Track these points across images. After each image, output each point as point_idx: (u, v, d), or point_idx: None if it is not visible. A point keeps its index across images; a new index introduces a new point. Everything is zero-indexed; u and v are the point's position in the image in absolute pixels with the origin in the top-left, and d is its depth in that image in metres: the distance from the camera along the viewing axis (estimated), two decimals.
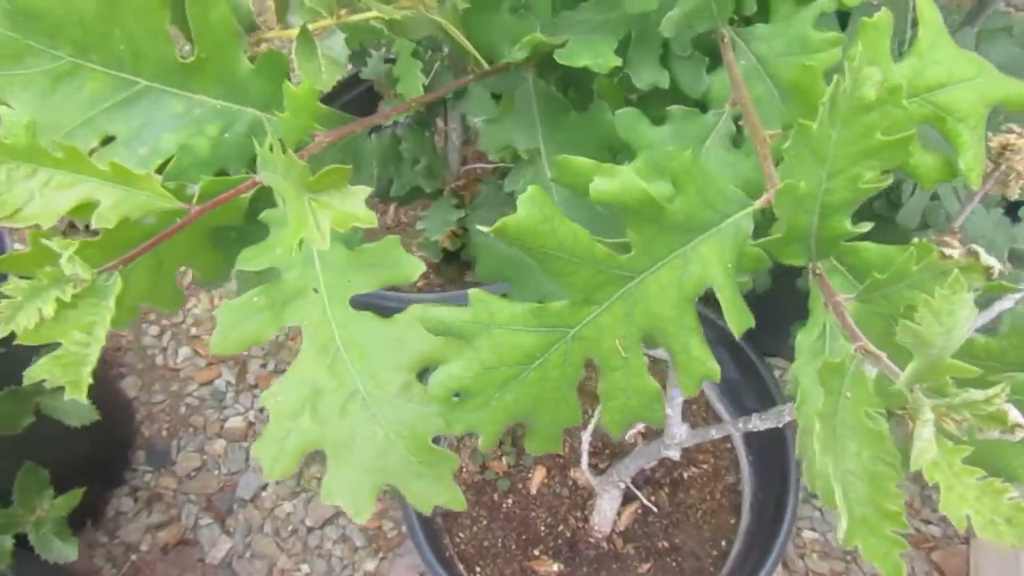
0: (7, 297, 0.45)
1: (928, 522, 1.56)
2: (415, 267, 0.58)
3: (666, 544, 1.34)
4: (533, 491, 1.41)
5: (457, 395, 0.52)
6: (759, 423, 1.01)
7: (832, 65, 0.60)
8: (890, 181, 0.43)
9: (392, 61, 1.37)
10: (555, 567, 1.33)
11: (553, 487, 1.41)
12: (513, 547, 1.35)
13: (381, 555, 1.59)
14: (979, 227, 0.89)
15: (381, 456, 0.57)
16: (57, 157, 0.50)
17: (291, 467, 0.57)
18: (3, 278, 0.48)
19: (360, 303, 0.59)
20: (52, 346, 0.50)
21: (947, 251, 0.39)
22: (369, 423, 0.57)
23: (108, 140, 0.58)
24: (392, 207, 1.67)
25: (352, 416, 0.58)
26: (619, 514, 1.35)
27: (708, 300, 0.52)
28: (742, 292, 0.52)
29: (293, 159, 0.47)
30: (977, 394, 0.34)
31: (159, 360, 1.81)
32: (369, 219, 0.49)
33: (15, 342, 0.46)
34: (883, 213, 0.92)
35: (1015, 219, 0.98)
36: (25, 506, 0.95)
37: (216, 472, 1.69)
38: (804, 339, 0.48)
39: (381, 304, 1.33)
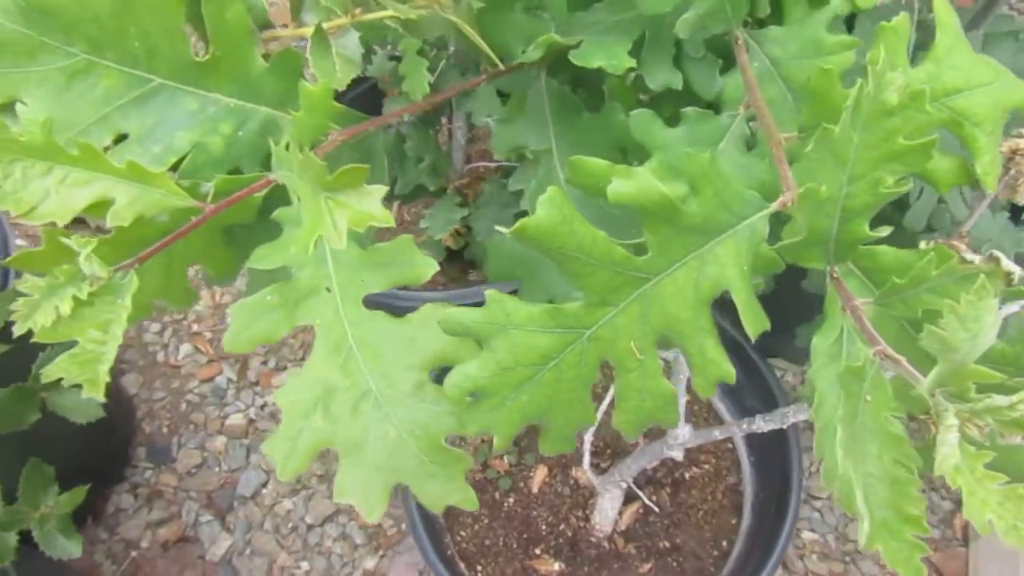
0: (24, 295, 0.45)
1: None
2: (428, 267, 0.57)
3: (667, 544, 1.34)
4: (535, 490, 1.41)
5: (471, 395, 0.52)
6: (763, 424, 1.01)
7: (845, 68, 0.60)
8: (910, 186, 0.43)
9: (397, 59, 1.37)
10: (556, 566, 1.34)
11: (555, 486, 1.41)
12: (514, 546, 1.36)
13: (381, 553, 1.59)
14: (985, 231, 0.89)
15: (393, 455, 0.57)
16: (73, 155, 0.50)
17: (303, 466, 0.57)
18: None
19: (367, 301, 0.59)
20: (59, 344, 0.50)
21: (968, 256, 0.39)
22: (381, 422, 0.57)
23: (121, 138, 0.58)
24: (395, 205, 1.67)
25: (364, 415, 0.57)
26: (620, 514, 1.35)
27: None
28: None
29: (311, 158, 0.47)
30: (1000, 399, 0.34)
31: (160, 357, 1.81)
32: (386, 219, 0.49)
33: (32, 339, 0.46)
34: (889, 215, 0.92)
35: (1018, 222, 0.98)
36: (30, 503, 0.95)
37: (217, 469, 1.68)
38: (820, 342, 0.48)
39: (388, 303, 1.33)
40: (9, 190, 0.49)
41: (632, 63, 0.60)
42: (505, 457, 1.44)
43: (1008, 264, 0.39)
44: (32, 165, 0.49)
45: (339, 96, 0.57)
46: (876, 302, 0.45)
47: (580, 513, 1.38)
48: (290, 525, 1.62)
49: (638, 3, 0.59)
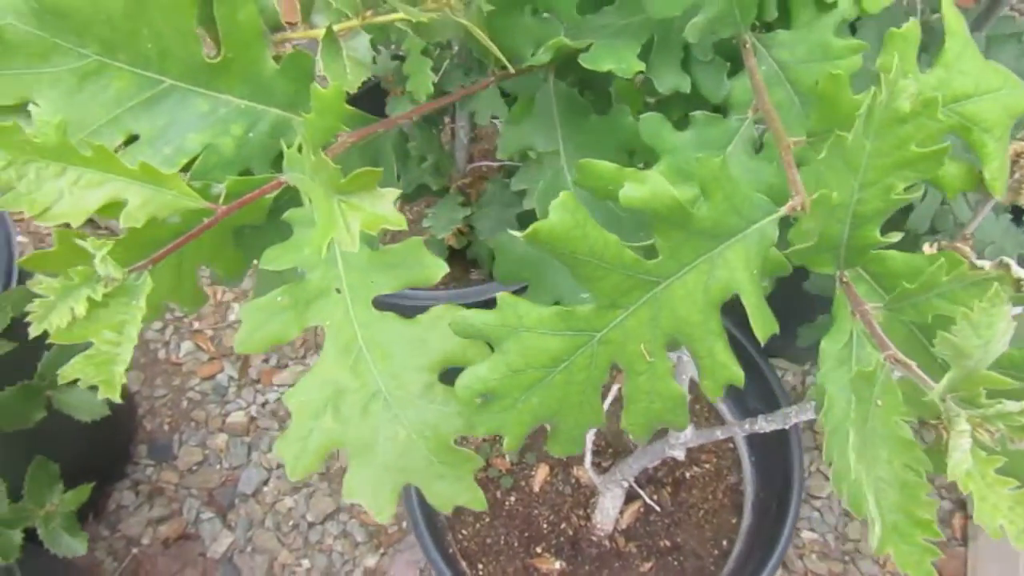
0: (40, 296, 0.45)
1: None
2: (438, 268, 0.58)
3: (668, 543, 1.35)
4: (536, 489, 1.42)
5: (482, 397, 0.53)
6: (765, 424, 1.01)
7: (851, 72, 0.60)
8: (920, 193, 0.43)
9: (400, 58, 1.37)
10: (557, 565, 1.34)
11: (556, 485, 1.42)
12: (515, 544, 1.36)
13: (382, 551, 1.59)
14: (988, 233, 0.90)
15: (403, 456, 0.58)
16: (86, 156, 0.50)
17: (313, 466, 0.57)
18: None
19: (377, 302, 0.60)
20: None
21: (975, 261, 0.40)
22: (391, 423, 0.58)
23: (132, 139, 0.58)
24: (398, 204, 1.67)
25: (374, 416, 0.58)
26: (621, 513, 1.36)
27: None
28: None
29: (325, 161, 0.47)
30: (1011, 405, 0.35)
31: (161, 354, 1.81)
32: (399, 221, 0.49)
33: (37, 339, 0.46)
34: (893, 217, 0.93)
35: (1020, 224, 0.99)
36: (35, 500, 0.95)
37: (218, 467, 1.69)
38: (830, 346, 0.48)
39: (393, 301, 1.33)
40: (23, 191, 0.49)
41: (641, 67, 0.60)
42: (506, 456, 1.44)
43: (1018, 270, 0.39)
44: (46, 166, 0.49)
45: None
46: (886, 307, 0.46)
47: (581, 512, 1.38)
48: (291, 523, 1.63)
49: (647, 7, 0.59)
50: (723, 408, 1.47)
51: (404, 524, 1.61)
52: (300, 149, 0.52)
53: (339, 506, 1.64)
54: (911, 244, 0.95)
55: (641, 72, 0.62)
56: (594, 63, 0.60)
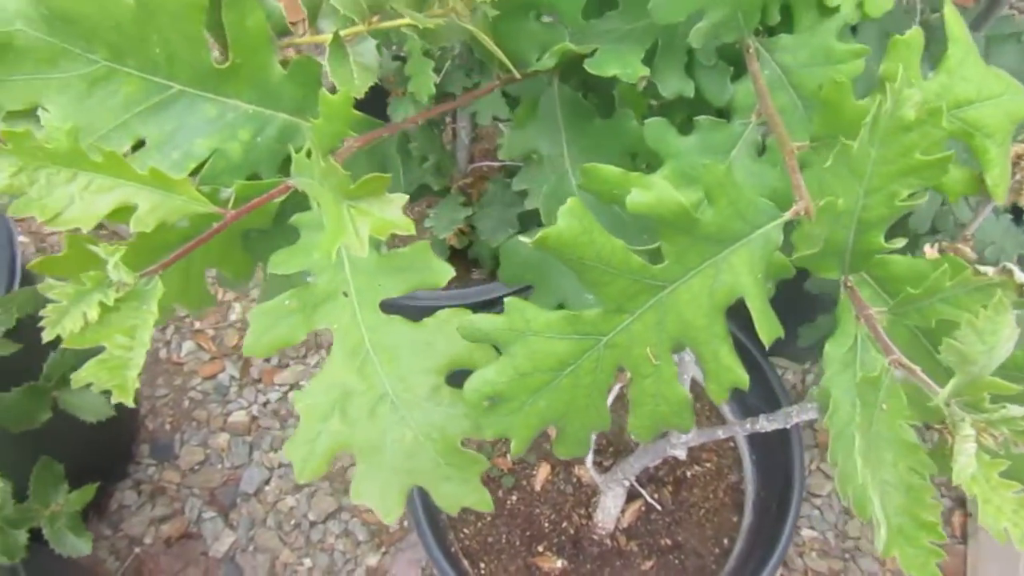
0: (53, 301, 0.46)
1: None
2: (445, 272, 0.58)
3: (669, 542, 1.36)
4: (537, 488, 1.42)
5: (489, 400, 0.53)
6: (766, 424, 1.02)
7: (853, 76, 0.61)
8: (925, 199, 0.44)
9: (402, 59, 1.37)
10: (559, 563, 1.35)
11: (557, 484, 1.42)
12: (517, 543, 1.37)
13: (383, 549, 1.60)
14: (989, 233, 0.90)
15: (410, 458, 0.58)
16: (97, 161, 0.50)
17: (321, 468, 0.58)
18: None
19: (384, 304, 0.60)
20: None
21: (981, 268, 0.40)
22: (398, 425, 0.58)
23: (140, 143, 0.58)
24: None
25: (381, 418, 0.58)
26: (623, 511, 1.36)
27: None
28: None
29: (334, 167, 0.48)
30: (1015, 410, 0.35)
31: (163, 354, 1.81)
32: (407, 227, 0.49)
33: (62, 345, 0.46)
34: None
35: (1020, 224, 0.99)
36: (40, 500, 0.96)
37: (219, 466, 1.69)
38: (834, 350, 0.49)
39: (398, 301, 1.33)
40: (35, 196, 0.49)
41: (646, 71, 0.61)
42: (508, 455, 1.45)
43: (1021, 276, 0.40)
44: (57, 172, 0.50)
45: None
46: (890, 311, 0.46)
47: (583, 511, 1.39)
48: (293, 522, 1.63)
49: (651, 13, 0.60)
50: (724, 407, 1.48)
51: (406, 523, 1.61)
52: (308, 154, 0.53)
53: (341, 505, 1.64)
54: (912, 244, 0.96)
55: (644, 76, 0.63)
56: (599, 68, 0.60)
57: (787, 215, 0.50)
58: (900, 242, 0.47)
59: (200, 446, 1.71)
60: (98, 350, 0.50)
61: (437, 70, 1.27)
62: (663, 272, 0.50)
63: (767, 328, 0.50)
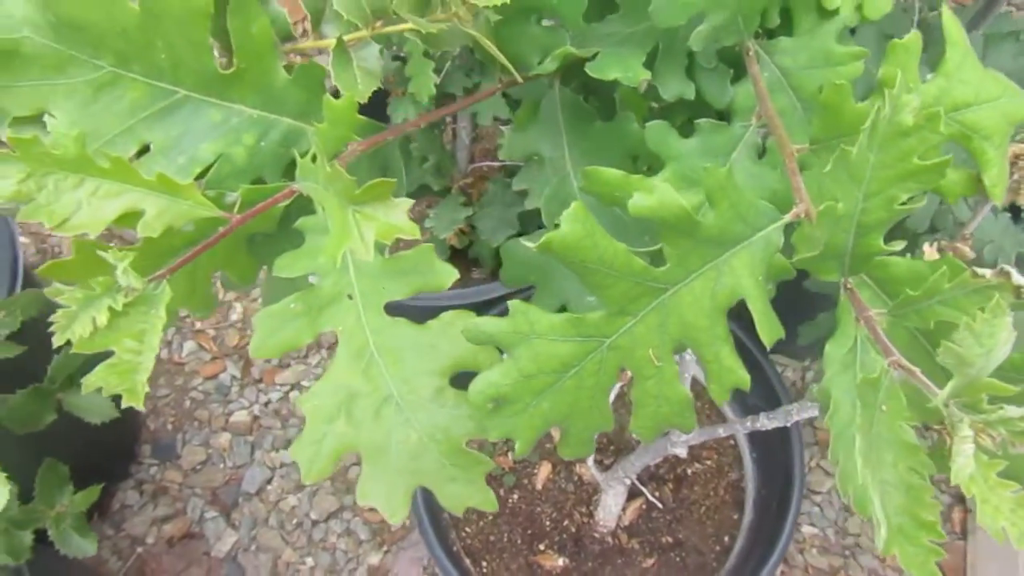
0: (62, 306, 0.46)
1: None
2: (448, 275, 0.59)
3: (670, 539, 1.36)
4: (539, 486, 1.43)
5: (493, 401, 0.54)
6: (767, 422, 1.03)
7: (852, 78, 0.61)
8: (924, 202, 0.44)
9: (401, 59, 1.38)
10: (560, 561, 1.36)
11: (558, 482, 1.43)
12: (519, 542, 1.37)
13: (385, 548, 1.61)
14: (987, 232, 0.91)
15: (415, 459, 0.59)
16: (104, 167, 0.51)
17: (327, 469, 0.58)
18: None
19: (388, 307, 0.61)
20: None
21: (979, 270, 0.41)
22: (403, 427, 0.59)
23: (145, 148, 0.59)
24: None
25: (386, 420, 0.59)
26: (624, 509, 1.37)
27: None
28: None
29: (339, 172, 0.48)
30: (1013, 411, 0.36)
31: (164, 354, 1.81)
32: (412, 231, 0.50)
33: (72, 350, 0.47)
34: None
35: (1019, 222, 1.00)
36: (46, 502, 0.96)
37: (221, 466, 1.70)
38: (834, 351, 0.49)
39: (398, 302, 1.34)
40: (43, 202, 0.50)
41: (647, 75, 0.61)
42: (509, 454, 1.46)
43: (1018, 278, 0.40)
44: (65, 178, 0.50)
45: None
46: (890, 313, 0.47)
47: (584, 509, 1.40)
48: (295, 521, 1.64)
49: (652, 16, 0.60)
50: (725, 406, 1.48)
51: (407, 522, 1.62)
52: (313, 159, 0.53)
53: (342, 504, 1.65)
54: (911, 243, 0.97)
55: (646, 79, 0.63)
56: (601, 72, 0.61)
57: (787, 217, 0.51)
58: (899, 245, 0.48)
59: (202, 446, 1.72)
60: (103, 352, 0.51)
61: (437, 71, 1.27)
62: (665, 275, 0.51)
63: (768, 329, 0.51)
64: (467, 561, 1.35)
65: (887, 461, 0.42)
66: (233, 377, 1.79)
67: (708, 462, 1.43)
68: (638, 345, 0.51)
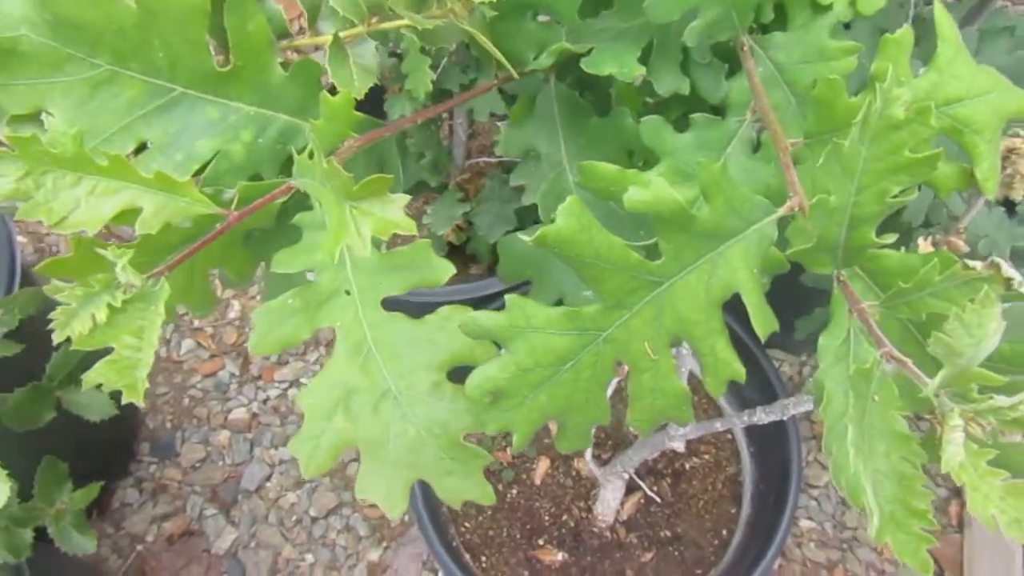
0: (61, 304, 0.47)
1: None
2: (445, 270, 0.59)
3: (668, 533, 1.37)
4: (537, 481, 1.43)
5: (490, 395, 0.54)
6: (764, 416, 1.03)
7: (846, 72, 0.62)
8: (915, 195, 0.45)
9: (397, 55, 1.38)
10: (559, 556, 1.36)
11: (557, 477, 1.43)
12: (518, 536, 1.38)
13: (385, 544, 1.61)
14: (981, 226, 0.91)
15: (413, 453, 0.59)
16: (102, 165, 0.51)
17: (326, 464, 0.59)
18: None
19: (386, 302, 0.61)
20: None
21: (970, 263, 0.41)
22: (401, 421, 0.59)
23: (143, 146, 0.59)
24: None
25: (384, 415, 0.59)
26: (622, 504, 1.38)
27: None
28: None
29: (336, 168, 0.49)
30: (1002, 400, 0.36)
31: (162, 352, 1.82)
32: (409, 227, 0.50)
33: (71, 347, 0.47)
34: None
35: (1013, 215, 1.01)
36: (45, 499, 0.96)
37: (220, 463, 1.70)
38: (828, 343, 0.50)
39: (396, 298, 1.34)
40: (41, 200, 0.50)
41: (642, 70, 0.61)
42: (508, 449, 1.46)
43: (1008, 270, 0.41)
44: (63, 176, 0.51)
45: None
46: (882, 305, 0.47)
47: (582, 504, 1.40)
48: (294, 518, 1.64)
49: (646, 11, 0.60)
50: (722, 400, 1.49)
51: (407, 518, 1.62)
52: (310, 155, 0.54)
53: (342, 501, 1.65)
54: (906, 237, 0.97)
55: (640, 74, 0.64)
56: (596, 67, 0.61)
57: (781, 211, 0.51)
58: (891, 237, 0.48)
59: (201, 443, 1.72)
60: (101, 350, 0.51)
61: (434, 67, 1.27)
62: (660, 268, 0.51)
63: (763, 322, 0.51)
64: (466, 556, 1.35)
65: (879, 451, 0.42)
66: (232, 375, 1.79)
67: (706, 457, 1.44)
68: (634, 338, 0.52)
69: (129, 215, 0.53)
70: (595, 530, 1.37)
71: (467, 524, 1.39)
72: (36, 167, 0.50)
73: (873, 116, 0.43)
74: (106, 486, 1.62)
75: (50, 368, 0.97)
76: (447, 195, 1.46)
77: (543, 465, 1.44)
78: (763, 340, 0.52)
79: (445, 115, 1.52)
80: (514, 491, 1.42)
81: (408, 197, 0.50)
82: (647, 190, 0.48)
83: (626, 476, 1.30)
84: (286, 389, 1.77)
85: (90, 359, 0.51)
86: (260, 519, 1.64)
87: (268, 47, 0.58)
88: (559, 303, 0.69)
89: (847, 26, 0.84)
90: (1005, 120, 0.58)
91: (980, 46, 0.98)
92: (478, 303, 1.39)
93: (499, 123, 1.56)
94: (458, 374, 0.59)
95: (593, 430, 1.23)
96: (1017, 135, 0.66)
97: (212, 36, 0.58)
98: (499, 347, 0.55)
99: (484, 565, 1.35)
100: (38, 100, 0.56)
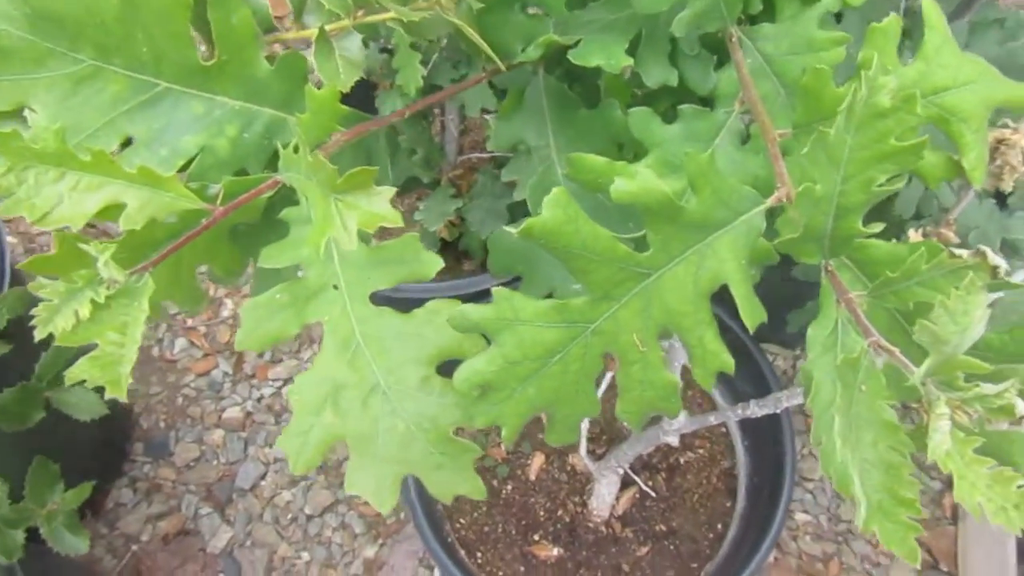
0: (44, 300, 0.46)
1: None
2: (433, 264, 0.59)
3: (663, 528, 1.37)
4: (532, 477, 1.43)
5: (479, 388, 0.54)
6: (757, 409, 1.03)
7: (836, 63, 0.62)
8: (902, 185, 0.45)
9: (388, 51, 1.37)
10: (555, 551, 1.36)
11: (552, 473, 1.43)
12: (513, 532, 1.38)
13: (381, 541, 1.61)
14: (972, 217, 0.91)
15: (403, 448, 0.59)
16: (85, 161, 0.51)
17: (315, 460, 0.58)
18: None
19: (375, 296, 0.61)
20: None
21: (956, 251, 0.41)
22: (390, 416, 0.59)
23: (128, 142, 0.59)
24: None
25: (373, 409, 0.59)
26: (617, 499, 1.38)
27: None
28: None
29: (321, 162, 0.48)
30: (988, 388, 0.36)
31: (155, 352, 1.81)
32: (395, 219, 0.50)
33: (54, 343, 0.47)
34: (880, 202, 0.94)
35: (1003, 207, 1.01)
36: (36, 500, 0.96)
37: (215, 462, 1.70)
38: (816, 333, 0.50)
39: (388, 293, 1.34)
40: (23, 196, 0.50)
41: (630, 62, 0.61)
42: (502, 445, 1.46)
43: (994, 258, 0.41)
44: (45, 171, 0.50)
45: None
46: (870, 294, 0.47)
47: (577, 499, 1.40)
48: (290, 516, 1.64)
49: (634, 2, 0.60)
50: (716, 393, 1.49)
51: (403, 515, 1.62)
52: (296, 149, 0.53)
53: (337, 498, 1.65)
54: (896, 229, 0.97)
55: (629, 66, 0.63)
56: (583, 59, 0.61)
57: (769, 202, 0.51)
58: (878, 227, 0.48)
59: (195, 443, 1.71)
60: (91, 348, 0.51)
61: (425, 63, 1.27)
62: (648, 260, 0.51)
63: (751, 313, 0.51)
64: (462, 552, 1.35)
65: (866, 440, 0.42)
66: (225, 373, 1.79)
67: (700, 451, 1.44)
68: (622, 330, 0.52)
69: (113, 211, 0.52)
70: (590, 525, 1.37)
71: (462, 520, 1.39)
72: (17, 163, 0.49)
73: (859, 104, 0.43)
74: (100, 486, 1.62)
75: (39, 368, 0.96)
76: (439, 191, 1.45)
77: (538, 461, 1.44)
78: (752, 331, 0.52)
79: (437, 111, 1.52)
80: (509, 487, 1.42)
81: (394, 189, 0.50)
82: (634, 181, 0.48)
83: (621, 471, 1.30)
84: (280, 387, 1.77)
85: (79, 358, 0.51)
86: (255, 518, 1.64)
87: (253, 41, 0.57)
88: (550, 297, 0.69)
89: (839, 19, 0.84)
90: (992, 109, 0.57)
91: (970, 38, 0.98)
92: (471, 299, 1.38)
93: (490, 119, 1.56)
94: (448, 369, 0.58)
95: (587, 425, 1.23)
96: (1006, 125, 0.66)
97: (196, 29, 0.58)
98: (488, 341, 0.55)
99: (480, 561, 1.35)
100: (20, 96, 0.55)
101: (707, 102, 0.66)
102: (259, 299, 0.58)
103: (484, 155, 1.55)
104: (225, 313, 1.86)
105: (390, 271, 0.60)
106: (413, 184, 1.45)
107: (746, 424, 1.41)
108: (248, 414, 1.75)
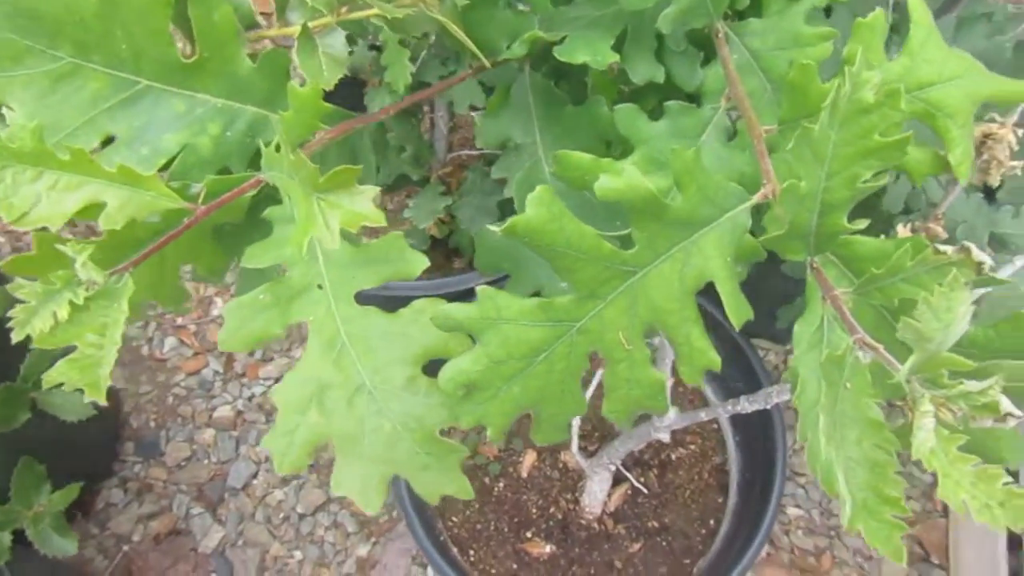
0: (21, 301, 0.46)
1: (908, 497, 1.61)
2: (418, 263, 0.59)
3: (656, 524, 1.37)
4: (524, 474, 1.43)
5: (464, 388, 0.54)
6: (747, 405, 1.03)
7: (823, 59, 0.61)
8: (887, 180, 0.44)
9: (377, 48, 1.37)
10: (547, 548, 1.36)
11: (544, 470, 1.43)
12: (505, 530, 1.38)
13: (373, 540, 1.61)
14: (960, 212, 0.91)
15: (389, 448, 0.58)
16: (63, 159, 0.50)
17: (301, 460, 0.58)
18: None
19: (359, 295, 0.60)
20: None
21: (941, 247, 0.41)
22: (376, 416, 0.59)
23: (108, 140, 0.58)
24: (378, 197, 1.67)
25: (359, 409, 0.59)
26: (609, 495, 1.38)
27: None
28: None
29: (303, 161, 0.48)
30: (973, 385, 0.36)
31: (144, 351, 1.80)
32: (378, 218, 0.49)
33: (33, 345, 0.46)
34: (868, 198, 0.94)
35: (991, 201, 1.01)
36: (23, 502, 0.95)
37: (206, 461, 1.69)
38: (802, 330, 0.49)
39: (376, 292, 1.33)
40: (0, 196, 0.49)
41: (615, 58, 0.61)
42: (494, 443, 1.46)
43: (978, 254, 0.41)
44: (23, 171, 0.49)
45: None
46: (855, 291, 0.47)
47: (570, 496, 1.40)
48: (282, 515, 1.63)
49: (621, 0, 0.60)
50: (707, 390, 1.49)
51: (395, 513, 1.62)
52: (278, 148, 0.53)
53: (329, 497, 1.64)
54: (885, 224, 0.97)
55: (615, 62, 0.63)
56: (569, 55, 0.60)
57: (755, 198, 0.51)
58: (863, 223, 0.48)
59: (186, 442, 1.71)
60: (74, 348, 0.50)
61: (413, 60, 1.26)
62: (634, 257, 0.50)
63: (736, 311, 0.51)
64: (455, 550, 1.35)
65: (851, 438, 0.42)
66: (216, 372, 1.78)
67: (692, 447, 1.44)
68: (608, 328, 0.51)
69: (93, 210, 0.52)
70: (583, 522, 1.37)
71: (454, 518, 1.38)
72: None
73: (842, 100, 0.42)
74: (90, 487, 1.61)
75: (24, 368, 0.95)
76: (429, 189, 1.45)
77: (530, 458, 1.44)
78: (738, 328, 0.51)
79: (426, 108, 1.51)
80: (501, 484, 1.42)
81: (377, 188, 0.50)
82: (619, 178, 0.47)
83: (613, 468, 1.30)
84: (271, 386, 1.76)
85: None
86: (247, 517, 1.63)
87: (235, 38, 0.57)
88: (536, 295, 0.69)
89: (828, 14, 0.84)
90: (978, 104, 0.57)
91: (958, 33, 0.98)
92: (461, 297, 1.38)
93: (477, 116, 1.55)
94: (434, 368, 0.58)
95: (578, 422, 1.23)
96: (993, 120, 0.66)
97: (177, 26, 0.57)
98: (473, 340, 0.55)
99: (472, 559, 1.35)
100: None
101: (694, 98, 0.65)
102: (242, 299, 0.57)
103: (474, 152, 1.55)
104: (215, 312, 1.85)
105: (375, 270, 0.59)
106: (403, 181, 1.44)
107: (737, 420, 1.41)
108: (239, 413, 1.74)
